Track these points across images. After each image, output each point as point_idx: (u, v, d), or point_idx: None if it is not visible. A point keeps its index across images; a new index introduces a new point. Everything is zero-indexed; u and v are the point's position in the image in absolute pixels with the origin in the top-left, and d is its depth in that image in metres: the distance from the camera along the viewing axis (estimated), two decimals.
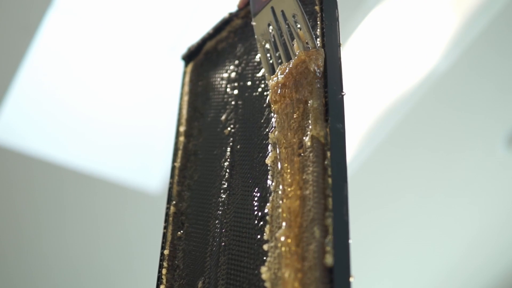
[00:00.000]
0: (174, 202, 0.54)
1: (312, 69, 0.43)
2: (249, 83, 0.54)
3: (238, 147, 0.51)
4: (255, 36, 0.50)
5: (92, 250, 1.42)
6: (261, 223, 0.43)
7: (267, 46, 0.48)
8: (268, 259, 0.40)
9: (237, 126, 0.53)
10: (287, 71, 0.44)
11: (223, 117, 0.55)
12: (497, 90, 1.58)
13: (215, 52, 0.61)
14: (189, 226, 0.52)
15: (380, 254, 1.81)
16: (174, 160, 0.57)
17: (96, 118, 1.37)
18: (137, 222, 1.40)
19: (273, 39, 0.47)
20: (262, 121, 0.50)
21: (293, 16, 0.45)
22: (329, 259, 0.37)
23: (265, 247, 0.41)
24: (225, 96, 0.57)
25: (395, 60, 1.53)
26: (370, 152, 1.57)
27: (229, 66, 0.58)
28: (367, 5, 1.30)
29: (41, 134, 1.30)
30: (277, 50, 0.47)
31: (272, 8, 0.47)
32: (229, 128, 0.54)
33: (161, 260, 0.50)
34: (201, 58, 0.62)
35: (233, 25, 0.59)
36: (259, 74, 0.53)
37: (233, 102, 0.55)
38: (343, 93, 0.46)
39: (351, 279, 0.37)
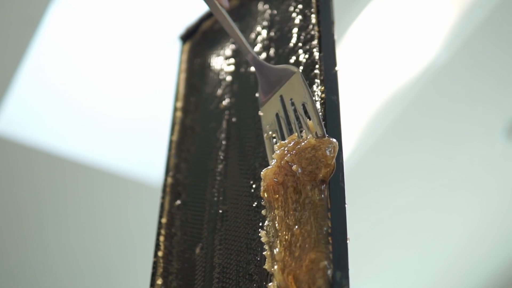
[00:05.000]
0: (171, 173, 0.54)
1: (322, 156, 0.40)
2: (244, 59, 0.54)
3: (234, 119, 0.52)
4: (262, 127, 0.47)
5: (93, 242, 1.42)
6: (258, 190, 0.44)
7: (273, 136, 0.45)
8: (266, 223, 0.41)
9: (232, 100, 0.53)
10: (294, 151, 0.41)
11: (219, 92, 0.56)
12: (496, 82, 1.58)
13: (212, 32, 0.62)
14: (187, 196, 0.52)
15: (381, 246, 1.81)
16: (171, 134, 0.58)
17: (99, 111, 1.37)
18: (138, 214, 1.40)
19: (279, 129, 0.45)
20: (257, 94, 0.50)
21: (303, 105, 0.43)
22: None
23: (263, 212, 0.42)
24: (221, 72, 0.57)
25: (394, 53, 1.53)
26: (369, 145, 1.58)
27: (225, 43, 0.59)
28: None
29: (43, 126, 1.30)
30: (283, 139, 0.44)
31: (281, 96, 0.45)
32: (224, 102, 0.54)
33: (159, 228, 0.50)
34: (198, 37, 0.63)
35: (230, 5, 0.60)
36: (255, 50, 0.53)
37: (228, 78, 0.56)
38: (337, 69, 0.47)
39: (347, 241, 0.38)
